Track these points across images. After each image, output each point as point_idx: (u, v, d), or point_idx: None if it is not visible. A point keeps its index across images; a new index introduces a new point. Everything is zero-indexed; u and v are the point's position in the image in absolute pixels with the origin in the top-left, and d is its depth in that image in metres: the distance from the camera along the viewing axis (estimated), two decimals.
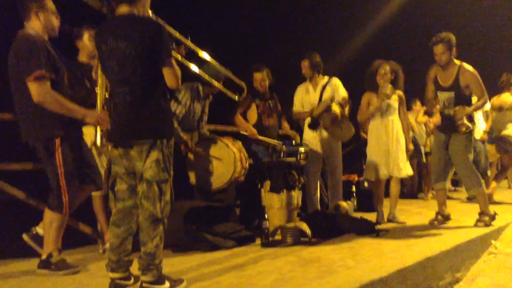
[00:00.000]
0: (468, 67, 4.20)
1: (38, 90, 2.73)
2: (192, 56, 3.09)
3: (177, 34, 2.86)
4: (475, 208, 4.46)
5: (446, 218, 4.47)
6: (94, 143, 3.38)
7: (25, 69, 2.74)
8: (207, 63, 3.48)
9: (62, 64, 2.99)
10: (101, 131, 2.96)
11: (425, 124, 7.11)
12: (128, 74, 2.37)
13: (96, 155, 3.54)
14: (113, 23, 2.46)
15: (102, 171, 3.58)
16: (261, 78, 4.73)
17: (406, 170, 4.71)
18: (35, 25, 2.90)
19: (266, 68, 4.79)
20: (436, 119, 4.67)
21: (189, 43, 2.94)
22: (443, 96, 4.29)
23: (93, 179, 3.17)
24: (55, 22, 3.02)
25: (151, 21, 2.47)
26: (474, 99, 4.42)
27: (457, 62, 4.23)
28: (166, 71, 2.41)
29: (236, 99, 3.36)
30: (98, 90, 3.02)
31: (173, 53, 2.69)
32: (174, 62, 2.46)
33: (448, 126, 4.29)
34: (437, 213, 4.48)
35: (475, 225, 4.21)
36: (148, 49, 2.35)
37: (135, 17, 2.43)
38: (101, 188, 3.38)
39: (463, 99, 4.21)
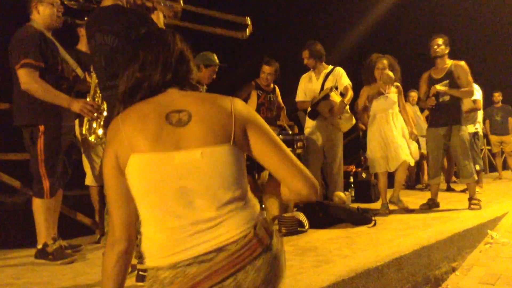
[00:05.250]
0: (460, 62, 4.78)
1: (25, 77, 2.84)
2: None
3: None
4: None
5: (436, 205, 4.92)
6: (80, 133, 3.39)
7: (15, 57, 2.86)
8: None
9: (59, 55, 3.06)
10: (88, 121, 2.99)
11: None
12: (116, 68, 2.36)
13: (92, 146, 3.55)
14: (99, 16, 2.44)
15: (99, 161, 3.59)
16: (269, 72, 4.75)
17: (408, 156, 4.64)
18: (35, 18, 3.02)
19: (276, 64, 4.81)
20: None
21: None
22: (437, 87, 4.74)
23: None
24: (55, 13, 3.09)
25: (135, 12, 2.44)
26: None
27: (449, 61, 4.82)
28: None
29: (243, 37, 3.22)
30: (91, 81, 3.04)
31: (172, 20, 2.63)
32: None
33: (445, 116, 4.69)
34: (429, 199, 4.95)
35: (470, 208, 4.66)
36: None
37: (120, 9, 2.41)
38: (63, 187, 3.29)
39: (456, 87, 4.69)
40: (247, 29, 3.11)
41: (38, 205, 2.93)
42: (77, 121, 3.40)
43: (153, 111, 1.19)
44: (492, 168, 10.22)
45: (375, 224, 3.88)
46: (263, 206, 3.68)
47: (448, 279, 3.19)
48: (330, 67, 4.91)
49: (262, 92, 4.83)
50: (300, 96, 4.99)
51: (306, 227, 3.70)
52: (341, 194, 4.80)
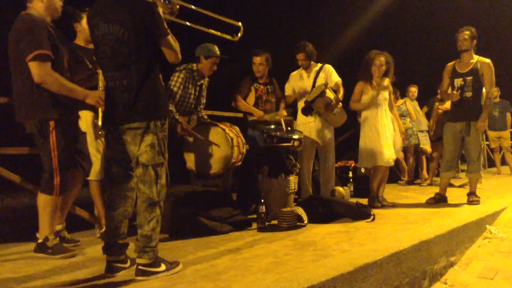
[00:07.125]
0: (486, 59, 4.66)
1: (39, 70, 2.71)
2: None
3: None
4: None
5: (444, 199, 4.85)
6: (95, 125, 3.39)
7: (25, 48, 2.72)
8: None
9: (63, 47, 2.97)
10: (102, 112, 2.95)
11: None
12: (123, 58, 2.35)
13: (92, 140, 3.54)
14: (103, 5, 2.42)
15: (99, 156, 3.58)
16: (259, 62, 4.78)
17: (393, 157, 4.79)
18: (37, 6, 2.90)
19: (266, 54, 4.83)
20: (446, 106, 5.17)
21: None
22: (460, 81, 4.67)
23: (82, 165, 3.18)
24: (58, 3, 3.01)
25: (141, 1, 2.42)
26: None
27: (475, 56, 4.69)
28: (163, 46, 2.40)
29: (234, 39, 3.28)
30: (99, 71, 3.01)
31: (167, 16, 2.62)
32: (170, 38, 2.44)
33: (466, 112, 4.64)
34: (437, 194, 4.86)
35: (469, 203, 4.66)
36: (141, 31, 2.33)
37: None
38: (88, 175, 3.40)
39: (479, 84, 4.63)
40: (239, 32, 3.19)
41: (45, 201, 2.87)
42: (91, 113, 3.44)
43: None
44: (490, 163, 10.25)
45: (374, 219, 3.89)
46: (262, 201, 3.67)
47: (446, 273, 3.20)
48: (319, 65, 5.00)
49: (259, 85, 4.86)
50: (288, 92, 5.06)
51: (305, 222, 3.71)
52: (340, 189, 4.82)
